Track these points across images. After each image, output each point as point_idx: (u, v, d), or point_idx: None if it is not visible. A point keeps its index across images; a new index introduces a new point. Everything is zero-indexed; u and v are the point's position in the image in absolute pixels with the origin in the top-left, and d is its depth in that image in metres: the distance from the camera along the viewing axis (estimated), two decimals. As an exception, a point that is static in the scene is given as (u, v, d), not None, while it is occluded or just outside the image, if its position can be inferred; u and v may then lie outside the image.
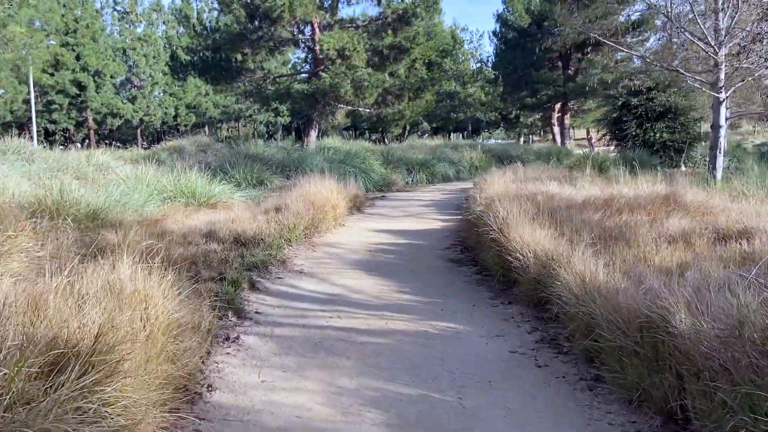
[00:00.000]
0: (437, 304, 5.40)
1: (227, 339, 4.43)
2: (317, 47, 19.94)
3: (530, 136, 46.06)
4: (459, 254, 7.71)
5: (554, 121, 35.68)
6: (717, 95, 12.55)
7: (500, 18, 33.56)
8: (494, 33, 34.70)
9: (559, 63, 32.75)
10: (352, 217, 11.23)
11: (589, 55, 32.02)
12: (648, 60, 13.37)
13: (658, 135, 19.77)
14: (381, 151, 22.09)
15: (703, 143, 20.94)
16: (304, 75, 22.48)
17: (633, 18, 29.69)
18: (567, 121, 33.92)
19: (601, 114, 22.94)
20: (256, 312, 5.19)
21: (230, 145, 19.52)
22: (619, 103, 20.42)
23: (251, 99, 23.92)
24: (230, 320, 4.84)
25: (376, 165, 18.75)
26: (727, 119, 14.14)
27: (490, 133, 54.65)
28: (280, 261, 7.08)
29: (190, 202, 10.55)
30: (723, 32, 12.36)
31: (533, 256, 5.12)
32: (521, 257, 5.24)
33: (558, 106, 33.80)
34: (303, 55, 22.22)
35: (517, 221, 5.77)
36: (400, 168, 20.38)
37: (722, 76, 12.63)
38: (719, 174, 12.89)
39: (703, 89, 13.50)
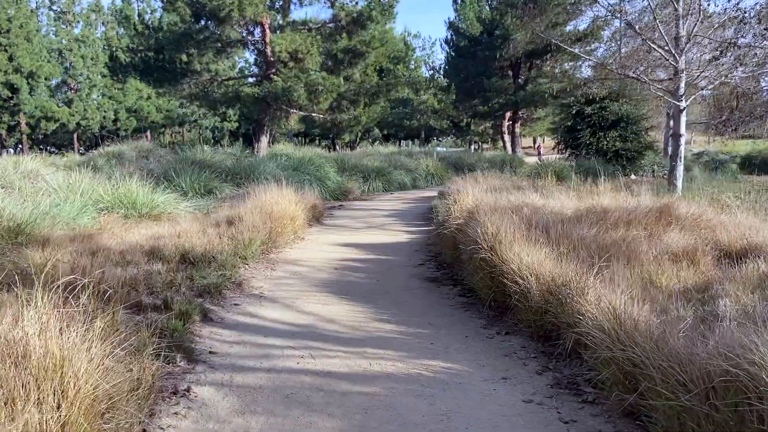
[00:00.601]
0: (425, 336, 4.62)
1: (175, 393, 3.52)
2: (268, 49, 18.96)
3: (479, 144, 46.08)
4: (435, 271, 6.97)
5: (504, 129, 35.69)
6: (678, 103, 12.34)
7: (451, 26, 33.30)
8: (446, 41, 34.43)
9: (510, 72, 32.72)
10: (311, 229, 10.36)
11: (539, 64, 32.15)
12: (609, 68, 13.05)
13: (610, 143, 19.71)
14: (335, 158, 21.23)
15: (653, 152, 21.06)
16: (253, 78, 21.41)
17: (581, 28, 30.04)
18: (517, 129, 33.93)
19: (554, 122, 22.88)
20: (210, 351, 4.28)
21: (175, 150, 18.24)
22: (573, 111, 20.26)
23: (197, 103, 22.64)
24: (178, 365, 3.92)
25: (331, 172, 17.91)
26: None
27: (439, 140, 54.60)
28: (235, 283, 6.17)
29: (130, 213, 9.46)
30: (683, 40, 12.18)
31: (535, 279, 4.42)
32: (520, 281, 4.53)
33: (509, 114, 33.78)
34: (252, 58, 21.16)
35: (511, 238, 5.07)
36: (355, 176, 19.59)
37: (683, 84, 12.45)
38: (680, 183, 12.68)
39: (666, 97, 13.28)
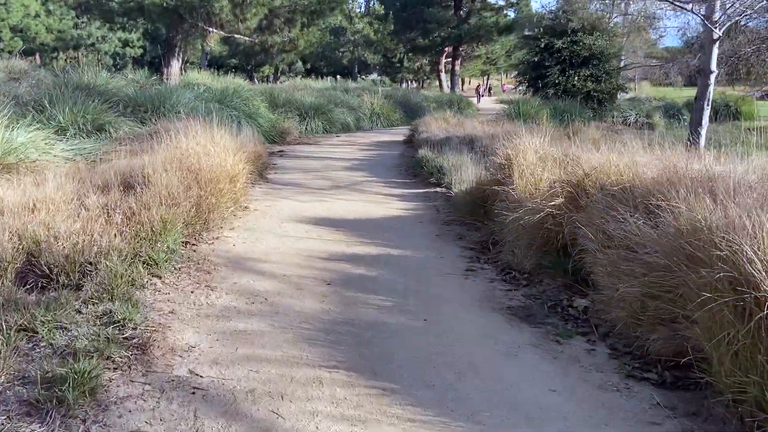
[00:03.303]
0: None
1: None
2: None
3: (413, 82, 42.49)
4: (515, 291, 3.83)
5: (441, 67, 32.45)
6: (711, 28, 9.61)
7: (389, -54, 29.06)
8: (382, -37, 30.18)
9: (451, 2, 29.24)
10: (256, 190, 6.92)
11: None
12: None
13: (581, 83, 17.11)
14: (262, 91, 17.23)
15: (626, 94, 18.75)
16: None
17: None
18: (458, 67, 30.79)
19: (517, 58, 19.94)
20: None
21: (55, 73, 13.67)
22: (542, 45, 17.35)
23: (88, 15, 17.69)
24: None
25: (262, 108, 14.14)
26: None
27: (363, 78, 50.33)
28: (136, 344, 2.77)
29: (-44, 165, 5.68)
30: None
31: None
32: None
33: (448, 50, 30.52)
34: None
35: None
36: (290, 113, 15.87)
37: (717, 5, 9.75)
38: (704, 133, 10.19)
39: (699, 18, 10.46)
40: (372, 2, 32.14)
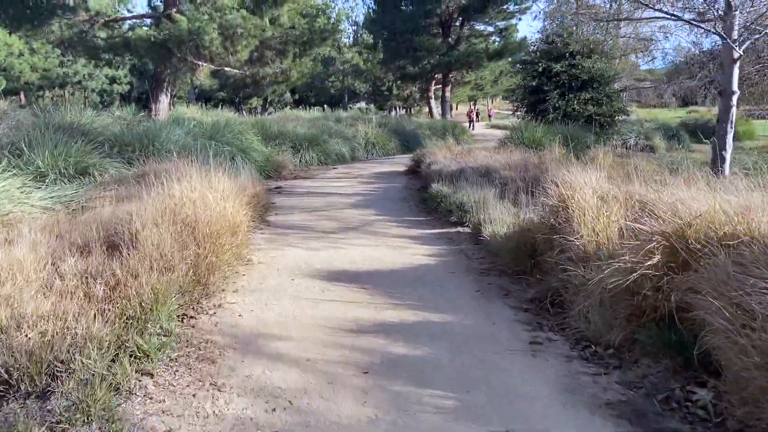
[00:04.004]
0: None
1: None
2: (166, -20, 13.89)
3: (401, 110, 42.05)
4: (618, 372, 2.97)
5: (431, 93, 32.03)
6: (731, 46, 9.04)
7: (375, -25, 28.75)
8: (369, -8, 29.84)
9: (440, 30, 28.90)
10: (258, 236, 6.11)
11: (472, 22, 28.62)
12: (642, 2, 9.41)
13: (581, 107, 16.56)
14: (253, 124, 16.48)
15: (626, 117, 18.20)
16: (150, 21, 16.10)
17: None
18: (448, 93, 30.35)
19: (513, 83, 19.38)
20: None
21: (35, 113, 12.85)
22: (539, 69, 16.83)
23: (73, 52, 16.96)
24: None
25: (256, 142, 13.42)
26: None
27: (350, 107, 49.88)
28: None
29: None
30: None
31: None
32: None
33: (438, 77, 30.13)
34: (146, -7, 15.82)
35: None
36: (284, 145, 15.17)
37: (737, 23, 9.21)
38: (729, 158, 9.56)
39: (717, 36, 9.90)
40: (361, 32, 31.77)
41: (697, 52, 16.39)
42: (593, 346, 3.14)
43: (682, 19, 9.24)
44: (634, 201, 3.83)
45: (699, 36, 14.85)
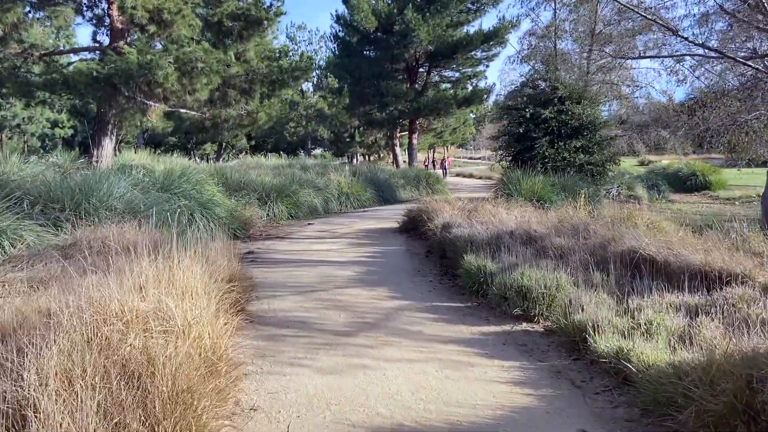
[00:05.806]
0: None
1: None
2: (114, 9, 11.90)
3: (358, 157, 40.42)
4: None
5: (396, 141, 30.66)
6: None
7: (340, 19, 27.45)
8: (333, 37, 28.49)
9: (406, 75, 27.76)
10: (240, 344, 4.04)
11: (440, 68, 27.64)
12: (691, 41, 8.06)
13: (572, 155, 15.25)
14: (212, 173, 14.34)
15: (615, 166, 17.03)
16: (92, 55, 13.97)
17: (485, 28, 26.07)
18: (415, 140, 29.00)
19: (497, 130, 18.08)
20: None
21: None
22: (527, 115, 15.50)
23: (2, 89, 14.56)
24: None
25: (218, 195, 11.34)
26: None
27: (306, 153, 47.98)
28: None
29: None
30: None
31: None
32: None
33: (405, 123, 28.85)
34: (89, 23, 13.73)
35: None
36: (248, 196, 13.16)
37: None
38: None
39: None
40: (325, 76, 30.23)
41: (665, 100, 15.61)
42: None
43: (732, 58, 7.94)
44: None
45: (671, 84, 13.99)
